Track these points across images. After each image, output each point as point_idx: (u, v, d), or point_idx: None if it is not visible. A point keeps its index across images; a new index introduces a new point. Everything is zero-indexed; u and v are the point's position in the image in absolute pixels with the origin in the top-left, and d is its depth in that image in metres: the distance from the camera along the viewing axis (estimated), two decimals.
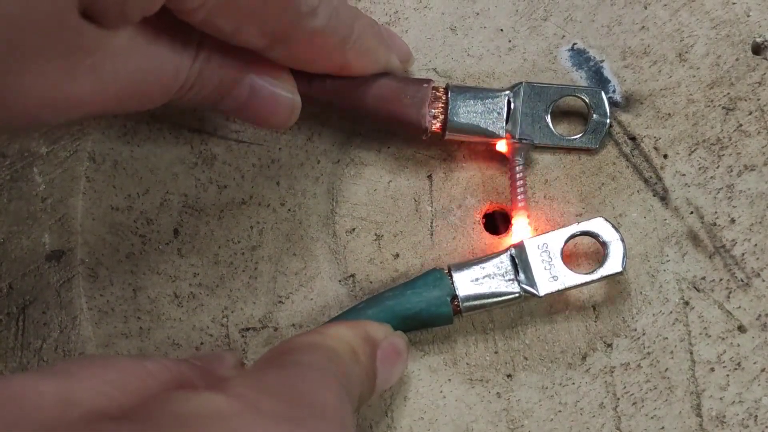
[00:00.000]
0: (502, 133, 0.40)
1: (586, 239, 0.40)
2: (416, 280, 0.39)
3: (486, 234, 0.42)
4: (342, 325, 0.36)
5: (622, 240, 0.38)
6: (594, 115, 0.41)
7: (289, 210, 0.42)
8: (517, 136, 0.41)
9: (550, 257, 0.38)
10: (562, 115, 0.42)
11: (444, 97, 0.40)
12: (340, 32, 0.37)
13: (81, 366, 0.29)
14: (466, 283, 0.38)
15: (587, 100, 0.41)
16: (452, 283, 0.38)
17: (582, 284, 0.38)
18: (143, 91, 0.35)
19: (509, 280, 0.38)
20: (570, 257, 0.40)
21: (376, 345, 0.36)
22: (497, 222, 0.44)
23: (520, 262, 0.38)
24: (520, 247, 0.39)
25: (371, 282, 0.41)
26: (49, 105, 0.33)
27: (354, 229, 0.42)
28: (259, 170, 0.43)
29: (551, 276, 0.38)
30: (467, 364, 0.40)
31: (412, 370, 0.40)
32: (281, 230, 0.42)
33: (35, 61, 0.31)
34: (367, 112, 0.41)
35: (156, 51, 0.34)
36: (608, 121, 0.41)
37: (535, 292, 0.38)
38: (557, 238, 0.39)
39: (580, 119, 0.42)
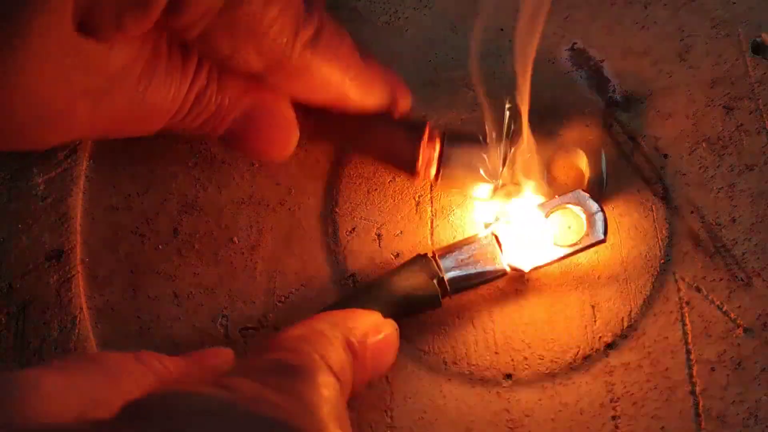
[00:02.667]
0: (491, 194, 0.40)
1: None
2: (401, 266, 0.39)
3: None
4: (333, 316, 0.36)
5: (602, 209, 0.39)
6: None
7: (289, 209, 0.42)
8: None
9: (533, 233, 0.39)
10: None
11: (439, 146, 0.40)
12: (340, 61, 0.36)
13: (78, 363, 0.29)
14: (452, 265, 0.38)
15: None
16: (438, 266, 0.38)
17: (566, 256, 0.39)
18: (140, 116, 0.35)
19: (494, 258, 0.38)
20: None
21: (367, 334, 0.36)
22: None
23: (503, 240, 0.38)
24: (502, 226, 0.39)
25: None
26: (44, 123, 0.33)
27: (354, 229, 0.42)
28: (258, 170, 0.43)
29: (536, 251, 0.38)
30: (467, 364, 0.40)
31: (412, 369, 0.40)
32: (281, 230, 0.42)
33: (31, 77, 0.31)
34: (364, 150, 0.41)
35: (153, 74, 0.34)
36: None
37: (521, 267, 0.38)
38: (540, 213, 0.39)
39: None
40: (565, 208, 0.39)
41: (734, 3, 0.42)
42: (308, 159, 0.43)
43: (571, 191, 0.39)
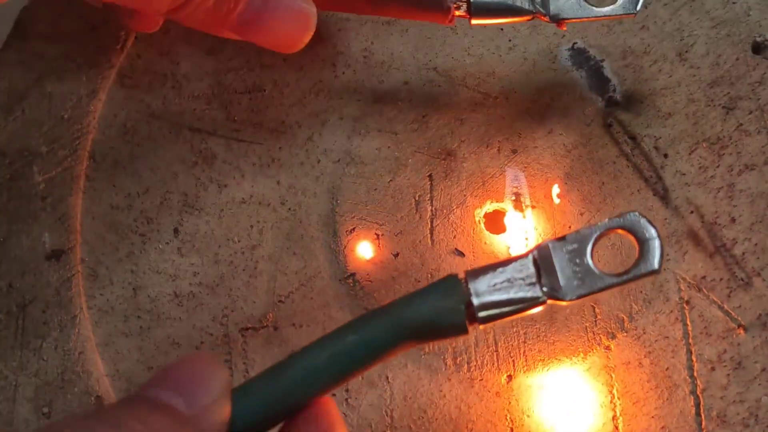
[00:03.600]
0: (531, 7, 0.38)
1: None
2: (427, 288, 0.34)
3: (486, 233, 0.42)
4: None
5: (660, 236, 0.33)
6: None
7: (289, 209, 0.42)
8: (549, 13, 0.38)
9: (577, 258, 0.33)
10: None
11: None
12: None
13: None
14: (483, 290, 0.33)
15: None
16: (467, 290, 0.33)
17: (613, 286, 0.33)
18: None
19: (531, 284, 0.33)
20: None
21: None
22: (498, 221, 0.44)
23: (543, 265, 0.33)
24: (543, 249, 0.33)
25: (371, 281, 0.41)
26: None
27: (354, 229, 0.42)
28: (259, 169, 0.43)
29: (579, 279, 0.33)
30: (467, 363, 0.40)
31: (412, 369, 0.40)
32: (281, 229, 0.42)
33: None
34: (387, 2, 0.38)
35: None
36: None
37: (561, 297, 0.33)
38: (585, 238, 0.33)
39: None
40: (616, 232, 0.33)
41: (734, 3, 0.43)
42: (308, 158, 0.43)
43: (624, 213, 0.33)
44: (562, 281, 0.33)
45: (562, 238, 0.33)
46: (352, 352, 0.32)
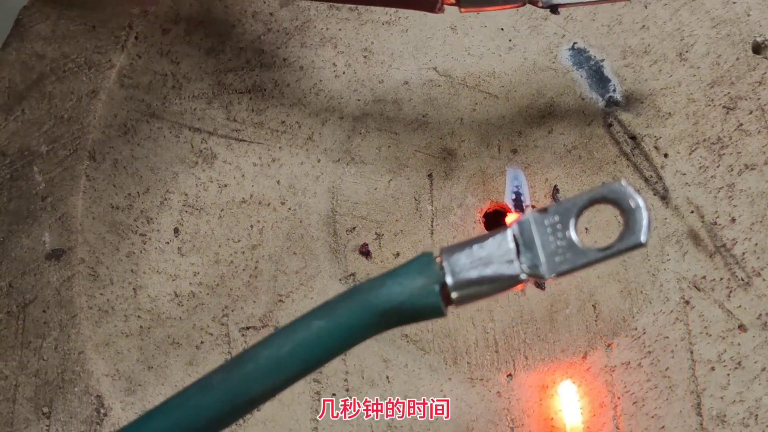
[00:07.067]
0: None
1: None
2: (399, 268, 0.31)
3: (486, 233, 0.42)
4: None
5: (646, 207, 0.30)
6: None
7: (290, 209, 0.42)
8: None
9: (559, 232, 0.31)
10: None
11: None
12: None
13: None
14: (459, 268, 0.31)
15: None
16: (441, 269, 0.31)
17: (597, 261, 0.30)
18: None
19: (509, 261, 0.31)
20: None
21: None
22: (498, 221, 0.44)
23: (523, 239, 0.31)
24: (524, 222, 0.31)
25: None
26: None
27: (354, 228, 0.42)
28: (259, 169, 0.43)
29: (560, 254, 0.31)
30: (467, 363, 0.40)
31: (412, 369, 0.40)
32: (281, 229, 0.42)
33: None
34: None
35: None
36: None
37: (541, 273, 0.30)
38: (568, 210, 0.31)
39: None
40: (600, 203, 0.31)
41: (734, 3, 0.43)
42: (309, 158, 0.43)
43: (608, 183, 0.31)
44: (542, 257, 0.31)
45: (544, 210, 0.31)
46: (319, 340, 0.30)
